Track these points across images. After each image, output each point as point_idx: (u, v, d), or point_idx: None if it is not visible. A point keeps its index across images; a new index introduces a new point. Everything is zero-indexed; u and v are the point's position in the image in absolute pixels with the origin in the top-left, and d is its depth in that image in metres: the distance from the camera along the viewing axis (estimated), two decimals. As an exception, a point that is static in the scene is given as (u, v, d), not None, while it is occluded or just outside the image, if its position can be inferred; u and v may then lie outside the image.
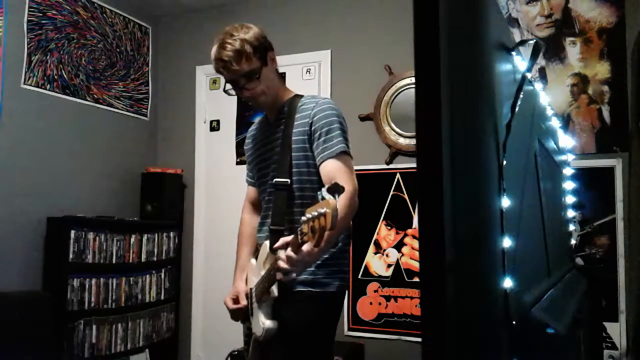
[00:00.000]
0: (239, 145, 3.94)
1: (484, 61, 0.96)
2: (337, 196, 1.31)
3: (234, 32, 1.77)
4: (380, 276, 3.39)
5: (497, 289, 0.93)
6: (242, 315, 1.91)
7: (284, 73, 3.45)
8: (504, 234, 0.95)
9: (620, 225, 2.92)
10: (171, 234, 3.88)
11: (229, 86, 1.86)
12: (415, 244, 3.29)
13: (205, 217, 4.04)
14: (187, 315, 3.97)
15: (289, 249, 1.51)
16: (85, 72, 3.65)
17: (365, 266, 3.42)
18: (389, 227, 3.39)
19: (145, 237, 3.65)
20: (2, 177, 3.08)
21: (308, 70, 3.73)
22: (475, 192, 0.86)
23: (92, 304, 3.24)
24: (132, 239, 3.56)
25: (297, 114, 1.83)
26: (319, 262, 1.75)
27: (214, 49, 1.79)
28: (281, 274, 1.58)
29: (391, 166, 3.42)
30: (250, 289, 1.85)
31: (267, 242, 1.79)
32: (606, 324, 2.89)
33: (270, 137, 1.91)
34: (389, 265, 3.37)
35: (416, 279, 3.28)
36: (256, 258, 1.89)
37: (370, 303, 3.39)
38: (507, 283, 0.94)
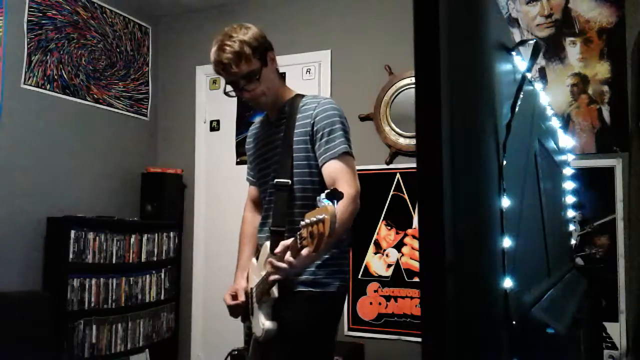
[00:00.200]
0: (239, 145, 3.94)
1: (484, 61, 0.96)
2: (336, 202, 1.32)
3: (232, 33, 1.77)
4: (380, 276, 3.39)
5: (497, 289, 0.93)
6: (241, 311, 1.91)
7: (284, 73, 3.45)
8: (504, 234, 0.95)
9: (620, 225, 2.92)
10: (171, 234, 3.88)
11: (229, 88, 1.86)
12: (415, 244, 3.29)
13: (205, 217, 4.04)
14: (187, 315, 3.97)
15: (289, 253, 1.51)
16: (85, 72, 3.65)
17: (365, 266, 3.42)
18: (389, 227, 3.39)
19: (145, 237, 3.65)
20: (2, 177, 3.08)
21: (308, 70, 3.73)
22: (475, 192, 0.86)
23: (92, 304, 3.24)
24: (132, 239, 3.56)
25: (299, 114, 1.82)
26: (319, 262, 1.75)
27: (213, 51, 1.78)
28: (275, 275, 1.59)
29: (391, 166, 3.42)
30: (251, 288, 1.85)
31: (268, 243, 1.78)
32: (606, 324, 2.89)
33: (272, 136, 1.90)
34: (389, 265, 3.37)
35: (416, 279, 3.28)
36: (257, 258, 1.89)
37: (370, 303, 3.39)
38: (507, 283, 0.94)
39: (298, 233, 1.44)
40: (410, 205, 3.36)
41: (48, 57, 3.39)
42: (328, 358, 1.85)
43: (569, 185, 2.51)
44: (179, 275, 3.96)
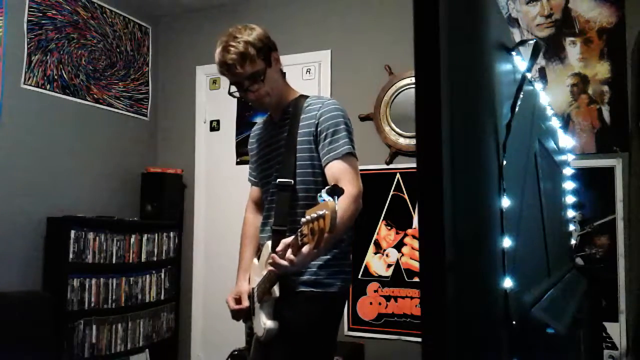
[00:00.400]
0: (239, 145, 3.94)
1: (484, 61, 0.96)
2: (336, 198, 1.32)
3: (237, 34, 1.77)
4: (380, 276, 3.39)
5: (497, 289, 0.93)
6: (243, 315, 1.91)
7: (284, 73, 3.45)
8: (504, 234, 0.95)
9: (620, 225, 2.92)
10: (171, 234, 3.88)
11: (233, 88, 1.86)
12: (415, 244, 3.29)
13: (205, 217, 4.04)
14: (187, 315, 3.97)
15: (289, 250, 1.51)
16: (85, 72, 3.65)
17: (365, 266, 3.42)
18: (389, 227, 3.39)
19: (145, 237, 3.65)
20: (2, 177, 3.08)
21: (308, 70, 3.73)
22: (475, 192, 0.86)
23: (92, 304, 3.24)
24: (132, 239, 3.56)
25: (303, 114, 1.82)
26: (321, 262, 1.75)
27: (218, 52, 1.78)
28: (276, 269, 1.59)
29: (391, 166, 3.42)
30: (252, 288, 1.85)
31: (269, 243, 1.78)
32: (606, 324, 2.89)
33: (275, 137, 1.91)
34: (389, 265, 3.37)
35: (416, 279, 3.28)
36: (258, 258, 1.89)
37: (370, 303, 3.39)
38: (507, 283, 0.94)
39: (299, 230, 1.44)
40: (410, 205, 3.36)
41: (48, 57, 3.39)
42: (329, 358, 1.85)
43: (569, 185, 2.51)
44: (179, 275, 3.96)
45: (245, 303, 1.88)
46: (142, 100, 4.15)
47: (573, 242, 2.75)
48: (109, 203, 3.75)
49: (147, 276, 3.66)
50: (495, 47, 1.03)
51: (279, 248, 1.57)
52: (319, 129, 1.77)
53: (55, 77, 3.44)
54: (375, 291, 3.39)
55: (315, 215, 1.33)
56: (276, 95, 1.87)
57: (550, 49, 3.16)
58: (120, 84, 3.94)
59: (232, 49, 1.74)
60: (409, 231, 3.34)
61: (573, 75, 3.11)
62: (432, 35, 0.68)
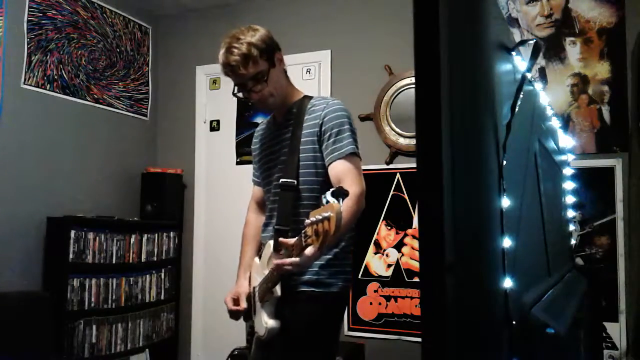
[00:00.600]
0: (239, 145, 3.94)
1: (484, 61, 0.96)
2: (341, 200, 1.32)
3: (240, 35, 1.78)
4: (380, 276, 3.39)
5: (497, 289, 0.93)
6: (241, 316, 1.91)
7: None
8: (504, 234, 0.95)
9: (620, 225, 2.92)
10: (171, 234, 3.88)
11: (237, 89, 1.87)
12: (415, 244, 3.28)
13: (205, 217, 4.04)
14: (187, 315, 3.97)
15: (293, 252, 1.52)
16: (85, 72, 3.65)
17: (365, 266, 3.42)
18: (389, 227, 3.39)
19: (145, 237, 3.65)
20: (2, 177, 3.08)
21: (308, 70, 3.73)
22: (475, 192, 0.86)
23: (92, 304, 3.24)
24: (132, 239, 3.56)
25: (307, 114, 1.83)
26: (322, 262, 1.75)
27: (221, 54, 1.79)
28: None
29: (391, 166, 3.42)
30: (254, 288, 1.85)
31: (271, 242, 1.79)
32: (606, 324, 2.89)
33: (278, 137, 1.91)
34: (389, 265, 3.37)
35: (416, 279, 3.28)
36: (260, 257, 1.89)
37: (370, 303, 3.39)
38: (507, 283, 0.94)
39: (303, 231, 1.44)
40: (410, 205, 3.36)
41: (48, 57, 3.39)
42: (330, 358, 1.85)
43: (569, 185, 2.50)
44: (179, 275, 3.96)
45: (243, 304, 1.88)
46: (142, 100, 4.15)
47: (573, 242, 2.74)
48: (109, 203, 3.75)
49: (147, 276, 3.66)
50: (495, 47, 1.03)
51: (280, 240, 1.58)
52: (323, 129, 1.78)
53: (55, 77, 3.43)
54: (375, 291, 3.39)
55: (320, 217, 1.33)
56: (280, 96, 1.87)
57: (550, 49, 3.16)
58: (120, 84, 3.94)
59: (235, 50, 1.75)
60: (409, 231, 3.34)
61: (573, 75, 3.11)
62: (432, 35, 0.68)
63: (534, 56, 1.11)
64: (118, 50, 3.94)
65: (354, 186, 1.69)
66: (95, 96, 3.73)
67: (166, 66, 4.28)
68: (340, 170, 1.72)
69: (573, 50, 3.12)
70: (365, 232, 3.40)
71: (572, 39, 3.12)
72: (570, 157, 2.66)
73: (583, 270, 2.68)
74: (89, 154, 3.66)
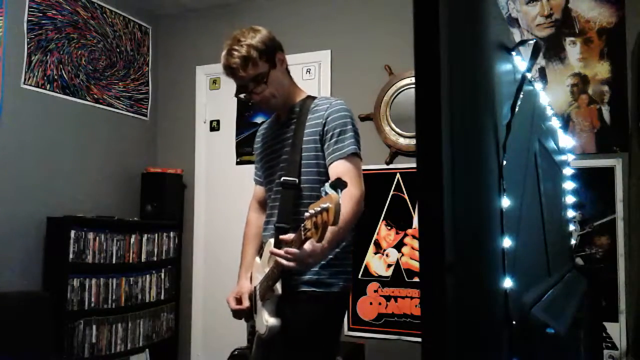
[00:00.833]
0: (239, 145, 3.94)
1: (484, 61, 0.96)
2: (339, 191, 1.32)
3: (241, 37, 1.79)
4: (380, 276, 3.39)
5: (497, 289, 0.93)
6: (244, 315, 1.91)
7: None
8: (504, 234, 0.95)
9: (620, 225, 2.92)
10: (171, 234, 3.88)
11: (240, 91, 1.88)
12: (415, 244, 3.28)
13: (205, 217, 4.04)
14: (187, 315, 3.97)
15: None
16: (85, 72, 3.65)
17: (365, 266, 3.42)
18: (389, 227, 3.39)
19: (145, 237, 3.65)
20: (2, 177, 3.08)
21: (308, 70, 3.73)
22: (475, 192, 0.86)
23: (92, 304, 3.24)
24: (132, 239, 3.56)
25: (310, 114, 1.84)
26: (323, 262, 1.75)
27: (222, 56, 1.81)
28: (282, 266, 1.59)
29: (391, 166, 3.42)
30: (255, 287, 1.85)
31: (272, 240, 1.79)
32: (606, 324, 2.89)
33: (281, 136, 1.91)
34: (389, 265, 3.37)
35: (416, 279, 3.28)
36: (260, 256, 1.89)
37: (370, 303, 3.39)
38: (507, 283, 0.94)
39: (302, 225, 1.44)
40: (410, 205, 3.36)
41: (48, 57, 3.39)
42: (331, 358, 1.85)
43: (569, 185, 2.50)
44: (179, 275, 3.96)
45: (246, 303, 1.88)
46: (142, 100, 4.15)
47: (573, 242, 2.74)
48: (109, 203, 3.75)
49: (147, 276, 3.66)
50: (495, 47, 1.03)
51: (280, 237, 1.58)
52: (325, 129, 1.78)
53: (55, 77, 3.44)
54: (375, 291, 3.39)
55: (319, 208, 1.33)
56: (282, 96, 1.88)
57: (550, 49, 3.16)
58: (120, 84, 3.94)
59: (235, 52, 1.77)
60: (409, 231, 3.34)
61: (573, 75, 3.11)
62: (432, 35, 0.68)
63: (534, 56, 1.11)
64: (118, 50, 3.94)
65: (353, 188, 1.69)
66: (95, 96, 3.73)
67: (166, 66, 4.28)
68: (340, 171, 1.72)
69: (573, 50, 3.12)
70: (365, 232, 3.40)
71: (572, 39, 3.12)
72: (570, 157, 2.66)
73: (583, 270, 2.68)
74: (89, 154, 3.66)
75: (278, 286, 1.71)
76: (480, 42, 0.95)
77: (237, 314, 1.92)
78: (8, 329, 2.74)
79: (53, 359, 2.95)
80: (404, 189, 3.37)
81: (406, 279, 3.32)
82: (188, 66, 4.14)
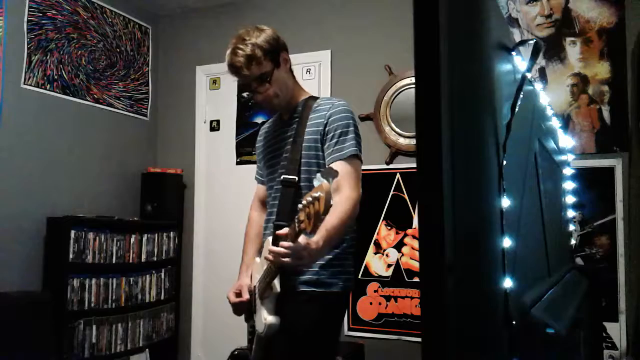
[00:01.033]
0: (239, 145, 3.94)
1: (484, 61, 0.96)
2: (331, 180, 1.32)
3: (246, 36, 1.79)
4: (380, 276, 3.39)
5: (497, 289, 0.93)
6: (244, 309, 1.91)
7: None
8: (504, 234, 0.95)
9: (620, 225, 2.92)
10: (171, 234, 3.88)
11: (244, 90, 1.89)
12: (415, 244, 3.28)
13: (205, 217, 4.04)
14: (187, 315, 3.97)
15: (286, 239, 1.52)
16: (85, 72, 3.65)
17: (365, 266, 3.42)
18: (389, 227, 3.39)
19: (145, 237, 3.65)
20: (2, 177, 3.09)
21: (308, 70, 3.73)
22: (475, 192, 0.86)
23: (92, 304, 3.24)
24: (132, 239, 3.56)
25: (312, 114, 1.84)
26: (322, 262, 1.75)
27: (227, 55, 1.81)
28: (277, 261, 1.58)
29: (391, 166, 3.42)
30: (254, 286, 1.85)
31: (270, 238, 1.79)
32: (606, 324, 2.89)
33: (282, 135, 1.92)
34: (389, 265, 3.37)
35: (416, 279, 3.28)
36: (260, 255, 1.89)
37: (370, 303, 3.39)
38: (507, 283, 0.94)
39: (296, 217, 1.44)
40: (410, 205, 3.36)
41: (48, 57, 3.39)
42: (331, 358, 1.85)
43: (569, 185, 2.50)
44: (179, 275, 3.96)
45: (246, 296, 1.88)
46: (142, 100, 4.15)
47: (573, 242, 2.74)
48: (109, 203, 3.75)
49: (147, 276, 3.66)
50: (495, 47, 1.03)
51: (277, 232, 1.58)
52: (326, 129, 1.79)
53: (55, 77, 3.43)
54: (375, 291, 3.39)
55: (310, 198, 1.33)
56: (285, 96, 1.88)
57: (550, 49, 3.15)
58: (120, 84, 3.94)
59: (239, 51, 1.77)
60: (409, 231, 3.34)
61: (573, 75, 3.11)
62: (432, 35, 0.68)
63: (534, 56, 1.11)
64: (118, 50, 3.94)
65: (350, 190, 1.70)
66: (95, 96, 3.73)
67: (166, 66, 4.28)
68: (339, 172, 1.72)
69: (573, 50, 3.12)
70: (365, 232, 3.40)
71: (572, 39, 3.12)
72: (570, 157, 2.66)
73: (583, 270, 2.68)
74: (89, 154, 3.66)
75: (276, 284, 1.70)
76: (480, 42, 0.95)
77: (237, 308, 1.92)
78: (8, 329, 2.74)
79: (53, 359, 2.95)
80: (404, 189, 3.37)
81: (406, 279, 3.32)
82: (188, 66, 4.14)
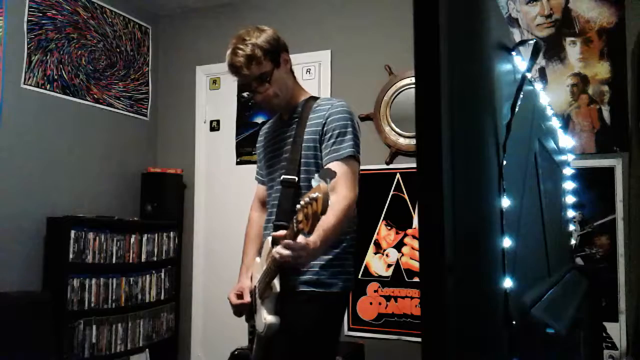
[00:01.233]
0: (239, 145, 3.94)
1: (484, 61, 0.96)
2: (329, 180, 1.32)
3: (246, 36, 1.80)
4: (380, 276, 3.39)
5: (497, 289, 0.93)
6: (245, 311, 1.91)
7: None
8: (504, 234, 0.95)
9: (620, 225, 2.92)
10: (171, 234, 3.88)
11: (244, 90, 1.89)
12: (415, 244, 3.28)
13: (205, 217, 4.04)
14: (187, 315, 3.97)
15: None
16: (85, 72, 3.65)
17: (365, 266, 3.42)
18: (389, 227, 3.39)
19: (145, 237, 3.65)
20: (2, 177, 3.09)
21: (308, 70, 3.73)
22: (475, 192, 0.86)
23: (92, 304, 3.24)
24: (132, 239, 3.56)
25: (312, 114, 1.84)
26: (322, 262, 1.75)
27: (227, 54, 1.82)
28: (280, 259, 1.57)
29: (391, 166, 3.42)
30: (255, 286, 1.85)
31: (270, 238, 1.79)
32: (606, 324, 2.89)
33: (282, 135, 1.92)
34: (389, 265, 3.37)
35: (416, 279, 3.28)
36: (260, 256, 1.89)
37: (370, 303, 3.39)
38: (507, 283, 0.94)
39: (294, 217, 1.44)
40: (410, 205, 3.36)
41: (48, 57, 3.39)
42: (330, 358, 1.85)
43: (569, 185, 2.50)
44: (179, 275, 3.96)
45: (247, 298, 1.88)
46: (142, 100, 4.15)
47: (573, 242, 2.74)
48: (109, 203, 3.75)
49: (147, 276, 3.66)
50: (495, 47, 1.03)
51: (275, 233, 1.58)
52: (325, 129, 1.79)
53: (55, 77, 3.43)
54: (375, 291, 3.39)
55: (308, 199, 1.34)
56: (285, 96, 1.88)
57: (550, 49, 3.15)
58: (120, 84, 3.94)
59: (239, 51, 1.77)
60: (409, 231, 3.34)
61: (573, 75, 3.11)
62: (432, 35, 0.68)
63: (534, 56, 1.11)
64: (118, 50, 3.94)
65: (346, 190, 1.70)
66: (95, 96, 3.73)
67: (166, 66, 4.28)
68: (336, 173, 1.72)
69: (573, 50, 3.12)
70: (365, 232, 3.40)
71: (572, 39, 3.12)
72: (570, 157, 2.66)
73: (583, 270, 2.68)
74: (89, 154, 3.66)
75: (276, 283, 1.70)
76: (480, 42, 0.95)
77: (238, 310, 1.92)
78: (8, 329, 2.74)
79: (53, 359, 2.95)
80: (404, 189, 3.37)
81: (406, 279, 3.32)
82: (188, 66, 4.14)
